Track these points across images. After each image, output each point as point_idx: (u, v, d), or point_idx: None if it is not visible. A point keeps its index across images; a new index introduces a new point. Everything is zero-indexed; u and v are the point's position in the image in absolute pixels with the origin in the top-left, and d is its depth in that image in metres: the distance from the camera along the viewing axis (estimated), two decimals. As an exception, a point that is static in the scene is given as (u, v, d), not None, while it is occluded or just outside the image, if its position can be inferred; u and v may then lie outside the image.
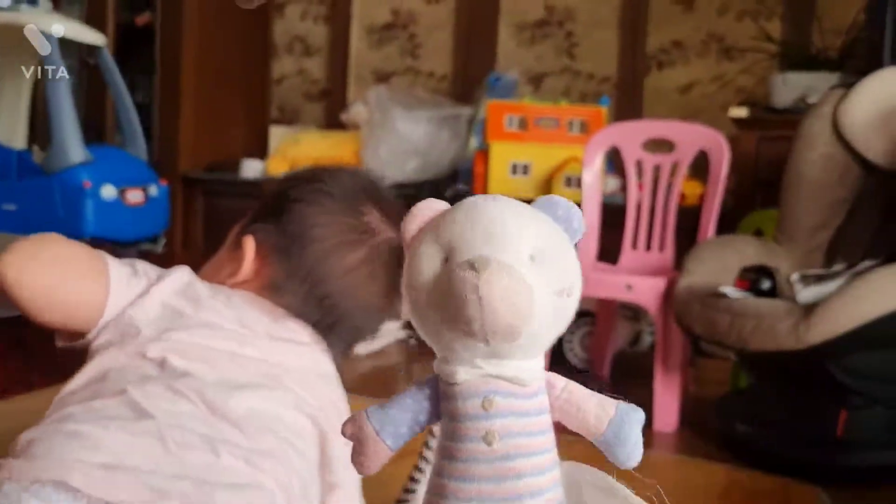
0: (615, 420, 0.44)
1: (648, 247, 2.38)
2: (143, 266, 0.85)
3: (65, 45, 3.10)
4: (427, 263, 0.43)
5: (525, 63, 3.47)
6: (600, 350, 2.49)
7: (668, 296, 2.05)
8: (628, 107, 3.32)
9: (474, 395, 0.43)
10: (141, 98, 3.44)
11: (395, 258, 0.86)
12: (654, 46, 3.32)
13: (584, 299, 1.94)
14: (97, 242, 2.84)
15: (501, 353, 0.43)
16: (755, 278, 1.95)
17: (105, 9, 3.58)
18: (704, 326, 1.86)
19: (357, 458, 0.46)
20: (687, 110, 3.26)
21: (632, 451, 0.44)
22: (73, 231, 2.80)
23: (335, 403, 0.86)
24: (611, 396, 0.46)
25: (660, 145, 2.85)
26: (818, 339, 1.66)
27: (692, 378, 2.42)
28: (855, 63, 2.81)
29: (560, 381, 0.46)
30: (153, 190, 3.02)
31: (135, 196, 2.93)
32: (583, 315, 2.51)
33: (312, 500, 0.77)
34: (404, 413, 0.46)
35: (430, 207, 0.46)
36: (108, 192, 2.83)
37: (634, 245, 2.39)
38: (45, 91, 2.99)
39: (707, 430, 2.03)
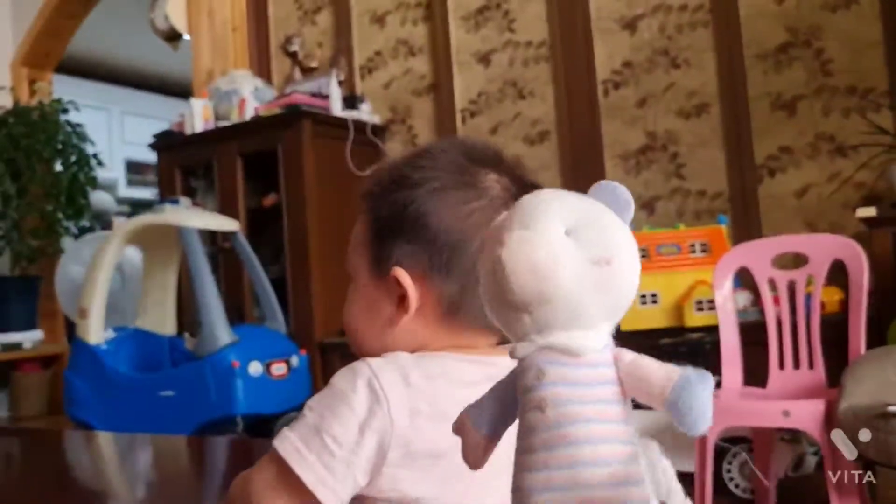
0: (677, 385, 0.43)
1: (796, 365, 2.29)
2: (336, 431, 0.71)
3: (203, 233, 3.38)
4: (482, 260, 0.46)
5: (635, 190, 3.51)
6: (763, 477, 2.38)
7: (830, 417, 1.96)
8: (746, 218, 3.29)
9: (531, 367, 0.45)
10: (275, 273, 3.66)
11: None
12: (763, 155, 3.31)
13: (739, 427, 1.85)
14: (248, 419, 2.98)
15: (547, 324, 0.44)
16: (924, 392, 1.85)
17: (236, 196, 3.88)
18: (878, 451, 1.77)
19: (462, 452, 0.47)
20: (807, 213, 3.21)
21: (698, 418, 0.42)
22: (225, 410, 2.96)
23: None
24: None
25: (788, 255, 2.80)
26: None
27: (869, 498, 2.26)
28: (978, 144, 2.73)
29: (629, 354, 0.45)
30: (295, 361, 3.16)
31: (279, 369, 3.08)
32: (739, 441, 2.41)
33: None
34: (495, 402, 0.47)
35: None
36: (255, 368, 2.99)
37: (781, 365, 2.31)
38: (191, 280, 3.22)
39: (899, 559, 1.89)
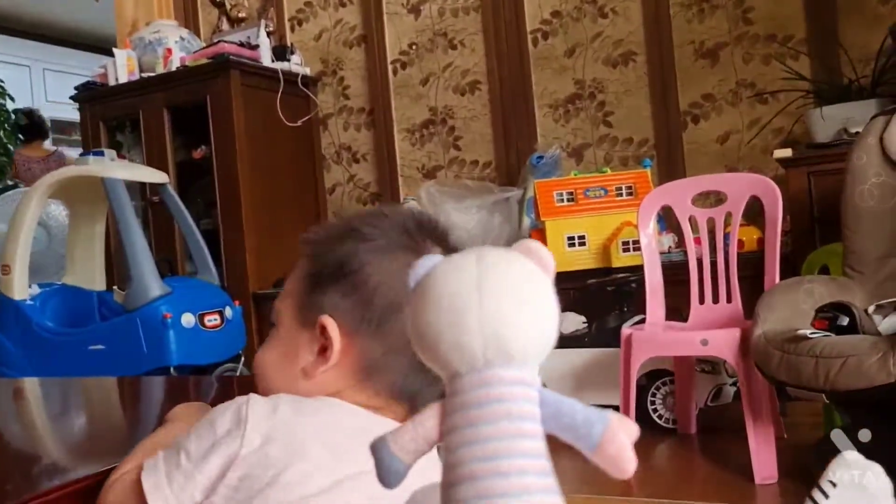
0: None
1: (716, 300, 2.39)
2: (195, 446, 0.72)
3: (131, 187, 3.31)
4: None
5: (564, 138, 3.58)
6: (684, 407, 2.48)
7: (745, 345, 2.05)
8: (670, 164, 3.38)
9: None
10: (206, 226, 3.61)
11: None
12: (686, 102, 3.39)
13: (661, 358, 1.93)
14: (182, 370, 2.97)
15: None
16: (832, 316, 1.93)
17: (164, 149, 3.80)
18: (788, 373, 1.85)
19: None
20: (728, 158, 3.31)
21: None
22: (158, 362, 2.93)
23: None
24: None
25: (710, 197, 2.89)
26: (908, 369, 1.64)
27: (784, 425, 2.38)
28: (889, 88, 2.84)
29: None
30: (228, 312, 3.14)
31: (212, 320, 3.06)
32: (662, 374, 2.51)
33: None
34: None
35: None
36: (188, 320, 2.96)
37: (701, 300, 2.41)
38: (118, 233, 3.16)
39: (809, 477, 1.99)
